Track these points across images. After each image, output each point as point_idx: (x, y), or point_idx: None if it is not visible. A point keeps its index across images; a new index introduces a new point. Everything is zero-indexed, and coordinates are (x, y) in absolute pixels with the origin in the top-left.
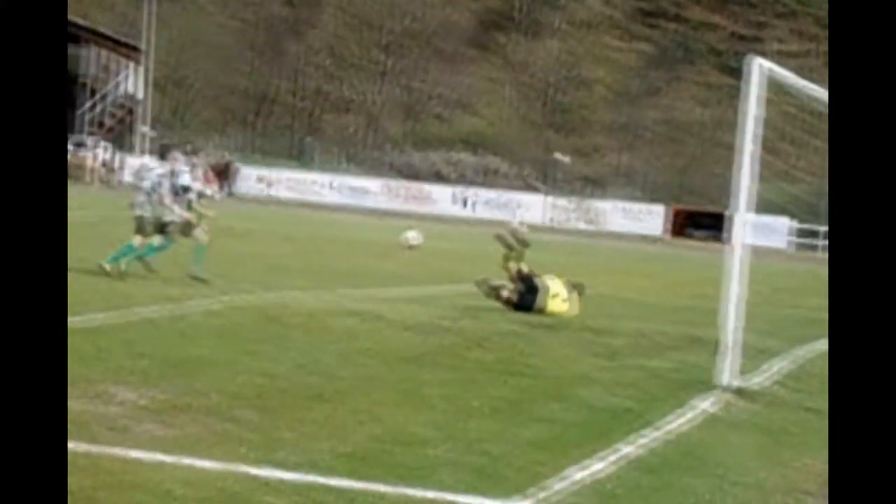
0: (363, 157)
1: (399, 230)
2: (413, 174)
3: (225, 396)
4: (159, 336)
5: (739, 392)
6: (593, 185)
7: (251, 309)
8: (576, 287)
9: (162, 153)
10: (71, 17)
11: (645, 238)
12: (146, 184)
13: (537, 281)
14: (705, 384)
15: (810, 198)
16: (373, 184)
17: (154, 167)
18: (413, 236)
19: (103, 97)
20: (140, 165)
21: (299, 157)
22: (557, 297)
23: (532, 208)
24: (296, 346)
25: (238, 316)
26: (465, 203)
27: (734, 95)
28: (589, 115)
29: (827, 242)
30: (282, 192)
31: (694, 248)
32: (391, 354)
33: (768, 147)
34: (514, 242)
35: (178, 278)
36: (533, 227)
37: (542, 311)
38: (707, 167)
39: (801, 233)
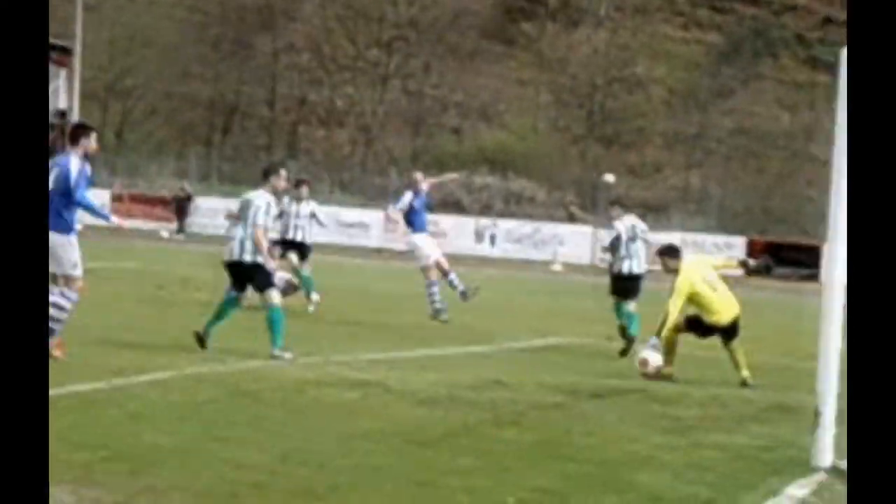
0: (361, 183)
1: (407, 275)
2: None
3: (189, 496)
4: (103, 420)
5: (844, 475)
6: (655, 214)
7: (220, 382)
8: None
9: None
10: None
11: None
12: None
13: None
14: (802, 466)
15: None
16: (372, 217)
17: None
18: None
19: None
20: None
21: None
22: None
23: (576, 245)
24: (279, 430)
25: (204, 392)
26: (491, 239)
27: (828, 96)
28: (646, 124)
29: None
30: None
31: (783, 290)
32: (402, 437)
33: None
34: None
35: (127, 344)
36: (576, 268)
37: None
38: (796, 188)
39: None
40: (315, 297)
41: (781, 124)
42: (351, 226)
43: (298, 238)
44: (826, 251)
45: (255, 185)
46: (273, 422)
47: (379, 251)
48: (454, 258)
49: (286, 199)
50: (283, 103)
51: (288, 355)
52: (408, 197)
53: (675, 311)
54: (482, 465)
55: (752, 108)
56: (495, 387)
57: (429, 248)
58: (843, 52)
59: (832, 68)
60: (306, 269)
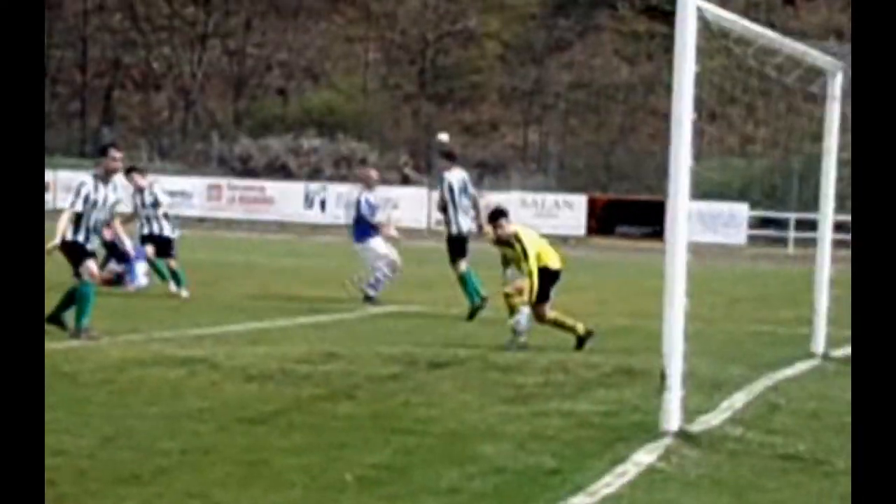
0: (181, 149)
1: (234, 245)
2: (248, 169)
3: None
4: None
5: (692, 439)
6: (492, 173)
7: None
8: None
9: None
10: None
11: (562, 238)
12: None
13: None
14: (648, 431)
15: (772, 177)
16: (194, 184)
17: None
18: None
19: None
20: None
21: (93, 153)
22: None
23: (411, 208)
24: (100, 412)
25: None
26: (321, 205)
27: (668, 48)
28: (481, 80)
29: (797, 235)
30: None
31: (626, 250)
32: (231, 415)
33: (717, 114)
34: None
35: None
36: (411, 232)
37: None
38: (639, 143)
39: (765, 223)
40: (174, 289)
41: (622, 77)
42: (171, 194)
43: (155, 232)
44: (669, 207)
45: (68, 154)
46: (93, 404)
47: (202, 220)
48: (285, 226)
49: (130, 192)
50: (96, 67)
51: (90, 335)
52: (373, 198)
53: (535, 272)
54: (317, 442)
55: (591, 60)
56: (329, 359)
57: (382, 249)
58: (682, 1)
59: (671, 17)
60: (170, 263)
